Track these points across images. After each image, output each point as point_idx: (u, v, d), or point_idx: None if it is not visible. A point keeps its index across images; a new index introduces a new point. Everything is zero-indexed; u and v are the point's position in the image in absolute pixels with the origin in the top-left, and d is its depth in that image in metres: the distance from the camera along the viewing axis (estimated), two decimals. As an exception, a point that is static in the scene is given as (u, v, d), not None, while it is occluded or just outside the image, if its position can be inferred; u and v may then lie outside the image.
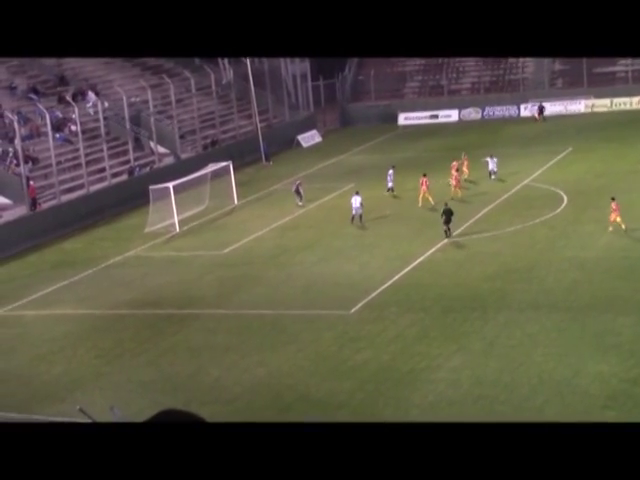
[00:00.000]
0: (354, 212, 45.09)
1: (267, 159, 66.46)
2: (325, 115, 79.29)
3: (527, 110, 74.38)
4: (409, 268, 37.55)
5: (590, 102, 73.51)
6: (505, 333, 29.65)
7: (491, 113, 75.52)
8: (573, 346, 27.98)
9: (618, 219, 38.75)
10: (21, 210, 50.05)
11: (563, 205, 44.97)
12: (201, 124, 66.10)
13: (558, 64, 78.29)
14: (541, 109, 72.39)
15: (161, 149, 61.91)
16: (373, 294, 34.60)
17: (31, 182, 51.03)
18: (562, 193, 47.06)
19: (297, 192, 50.58)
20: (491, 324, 30.51)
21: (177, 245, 45.61)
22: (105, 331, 33.95)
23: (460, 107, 76.76)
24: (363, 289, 35.14)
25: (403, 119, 77.48)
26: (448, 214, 41.05)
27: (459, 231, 41.97)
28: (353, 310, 33.14)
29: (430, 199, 46.51)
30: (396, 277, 36.41)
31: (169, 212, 48.32)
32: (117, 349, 31.88)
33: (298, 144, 72.06)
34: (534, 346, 28.30)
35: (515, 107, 75.28)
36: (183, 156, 62.34)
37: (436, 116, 76.77)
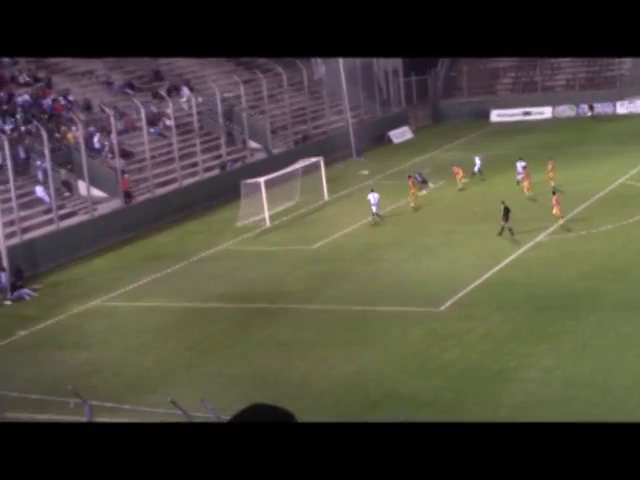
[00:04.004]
0: (375, 209, 46.41)
1: (358, 155, 66.38)
2: (417, 111, 78.83)
3: (624, 107, 72.87)
4: (500, 266, 37.13)
5: (691, 99, 71.67)
6: (598, 333, 29.12)
7: (586, 110, 74.12)
8: (669, 348, 27.32)
9: (555, 211, 41.52)
10: (116, 203, 50.83)
11: (660, 204, 43.96)
12: (292, 119, 66.29)
13: (656, 60, 76.51)
14: (591, 107, 71.75)
15: (253, 144, 62.26)
16: (463, 292, 34.32)
17: (126, 175, 51.83)
18: (659, 192, 46.03)
19: (424, 181, 52.44)
20: (584, 324, 30.00)
21: (267, 240, 45.82)
22: (196, 324, 34.31)
23: (554, 104, 75.57)
24: (452, 286, 34.87)
25: (495, 116, 76.59)
26: (506, 212, 40.77)
27: (551, 230, 41.41)
28: (442, 307, 32.93)
29: (415, 197, 48.63)
30: (486, 275, 36.04)
31: (260, 207, 48.56)
32: (207, 342, 32.18)
33: (389, 140, 71.76)
34: (628, 347, 27.72)
35: (611, 104, 73.75)
36: (275, 151, 62.61)
37: (529, 113, 75.70)
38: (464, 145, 65.89)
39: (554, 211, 41.66)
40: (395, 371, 27.82)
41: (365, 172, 57.98)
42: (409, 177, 50.40)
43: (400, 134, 73.06)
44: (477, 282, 35.31)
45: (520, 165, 50.53)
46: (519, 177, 50.13)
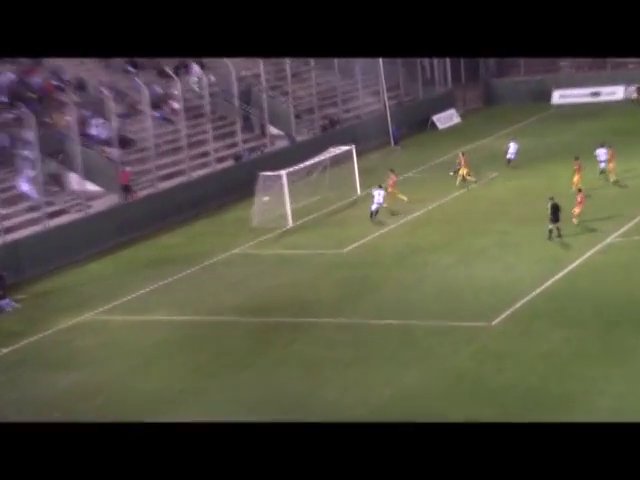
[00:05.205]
0: (375, 207, 47.17)
1: (396, 143, 66.42)
2: (465, 92, 78.86)
3: None
4: (563, 273, 37.03)
5: None
6: (681, 353, 28.81)
7: (633, 91, 73.79)
8: None
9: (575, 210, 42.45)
10: (113, 199, 50.99)
11: None
12: (320, 102, 66.31)
13: None
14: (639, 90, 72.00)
15: (274, 130, 62.40)
16: (520, 303, 34.24)
17: (126, 168, 51.82)
18: None
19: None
20: (664, 342, 29.72)
21: (290, 242, 45.88)
22: (205, 341, 34.33)
23: (626, 83, 75.09)
24: (508, 297, 34.79)
25: (558, 97, 76.40)
26: (555, 210, 40.65)
27: (622, 231, 41.13)
28: (496, 321, 32.84)
29: (402, 197, 48.74)
30: (548, 283, 35.97)
31: (281, 203, 48.65)
32: (219, 363, 32.15)
33: (433, 125, 71.95)
34: None
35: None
36: (298, 138, 62.67)
37: (598, 94, 75.30)
38: (520, 131, 65.58)
39: (574, 209, 42.25)
40: (441, 396, 27.70)
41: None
42: (391, 171, 50.80)
43: (446, 119, 73.12)
44: (536, 292, 35.18)
45: (602, 152, 50.22)
46: (602, 166, 50.12)
